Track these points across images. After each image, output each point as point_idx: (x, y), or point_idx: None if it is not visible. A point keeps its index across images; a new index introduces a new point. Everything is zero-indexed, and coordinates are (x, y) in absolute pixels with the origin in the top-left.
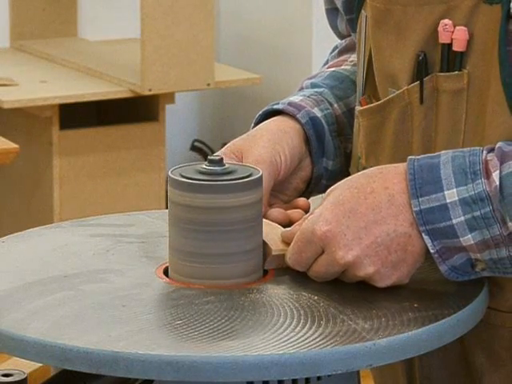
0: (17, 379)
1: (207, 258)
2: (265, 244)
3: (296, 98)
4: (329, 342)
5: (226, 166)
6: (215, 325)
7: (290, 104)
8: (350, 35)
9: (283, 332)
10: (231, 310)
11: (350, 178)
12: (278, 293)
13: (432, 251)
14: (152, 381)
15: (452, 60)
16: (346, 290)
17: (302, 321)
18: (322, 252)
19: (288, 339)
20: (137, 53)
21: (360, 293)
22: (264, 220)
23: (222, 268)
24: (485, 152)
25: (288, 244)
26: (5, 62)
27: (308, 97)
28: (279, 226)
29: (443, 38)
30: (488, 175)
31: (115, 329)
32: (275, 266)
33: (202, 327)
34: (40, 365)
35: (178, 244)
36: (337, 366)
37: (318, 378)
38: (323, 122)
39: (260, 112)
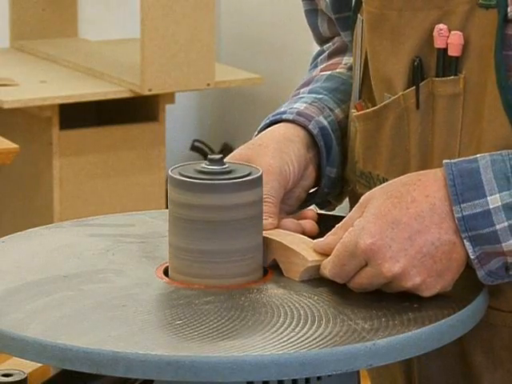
0: (17, 379)
1: (206, 256)
2: (295, 254)
3: (300, 106)
4: (329, 342)
5: (226, 165)
6: (215, 325)
7: (299, 114)
8: (332, 37)
9: (283, 332)
10: (231, 310)
11: (386, 186)
12: (278, 293)
13: (472, 257)
14: (152, 381)
15: (447, 65)
16: (346, 291)
17: (301, 321)
18: (366, 264)
19: (288, 339)
20: (137, 53)
21: (360, 293)
22: (284, 231)
23: (221, 266)
24: None
25: (322, 255)
26: (5, 62)
27: (310, 104)
28: (304, 237)
29: (438, 43)
30: None
31: (115, 329)
32: (309, 276)
33: (201, 327)
34: (40, 365)
35: (178, 242)
36: (337, 366)
37: (318, 378)
38: (330, 131)
39: (266, 120)
